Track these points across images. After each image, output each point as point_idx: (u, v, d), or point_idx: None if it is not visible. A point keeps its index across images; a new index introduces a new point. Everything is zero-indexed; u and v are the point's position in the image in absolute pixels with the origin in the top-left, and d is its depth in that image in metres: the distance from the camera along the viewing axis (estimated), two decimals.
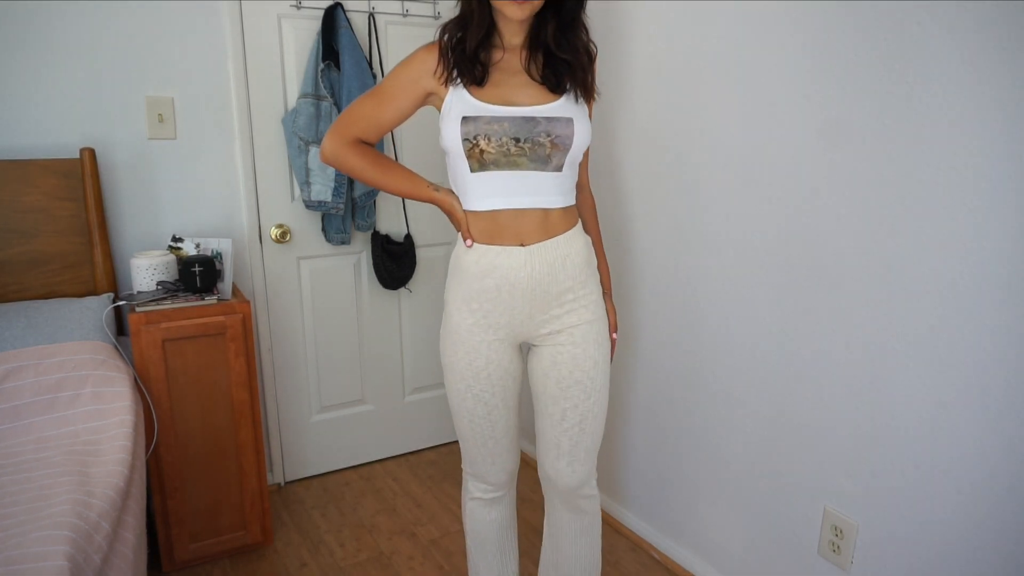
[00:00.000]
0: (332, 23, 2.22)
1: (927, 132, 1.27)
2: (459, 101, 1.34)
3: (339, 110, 2.21)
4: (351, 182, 2.30)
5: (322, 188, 2.24)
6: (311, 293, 2.44)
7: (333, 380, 2.54)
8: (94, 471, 1.42)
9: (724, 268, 1.75)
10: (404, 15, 2.41)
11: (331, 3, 2.23)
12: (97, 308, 1.84)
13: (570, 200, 1.43)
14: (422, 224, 2.58)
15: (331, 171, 2.23)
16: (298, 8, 2.22)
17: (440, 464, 2.68)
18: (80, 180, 1.94)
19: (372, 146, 1.46)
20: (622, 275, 2.09)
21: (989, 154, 1.19)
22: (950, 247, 1.27)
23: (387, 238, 2.49)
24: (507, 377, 1.47)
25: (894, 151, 1.33)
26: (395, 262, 2.47)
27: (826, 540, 1.57)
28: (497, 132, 1.31)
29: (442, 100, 1.38)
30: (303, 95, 2.20)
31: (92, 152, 1.95)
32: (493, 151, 1.32)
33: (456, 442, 2.84)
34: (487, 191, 1.36)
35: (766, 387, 1.68)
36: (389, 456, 2.72)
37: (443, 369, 1.51)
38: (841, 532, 1.53)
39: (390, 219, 2.52)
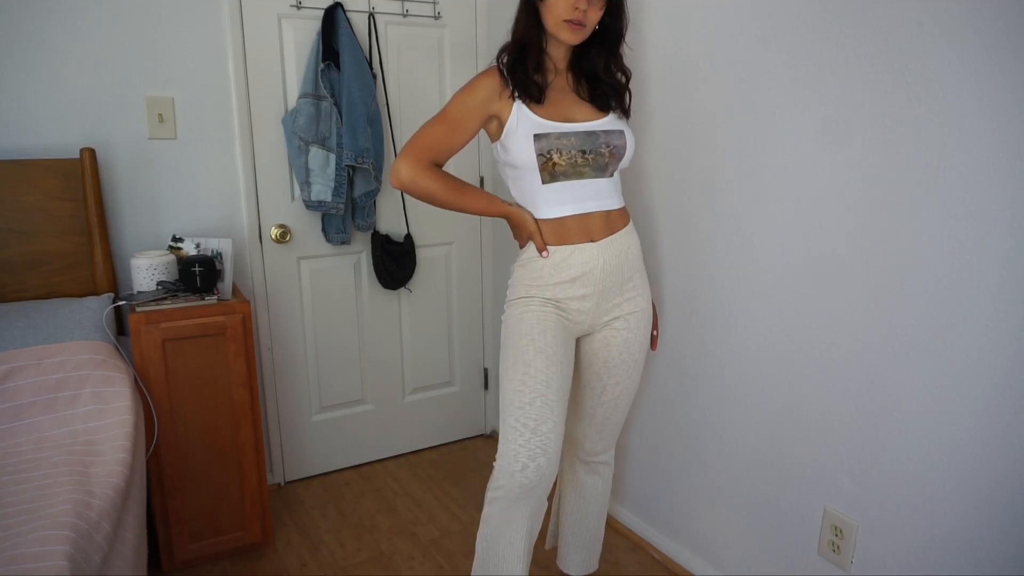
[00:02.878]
0: (332, 23, 2.22)
1: (926, 132, 1.27)
2: (525, 120, 1.47)
3: (339, 110, 2.21)
4: (351, 182, 2.30)
5: (322, 188, 2.24)
6: (311, 293, 2.44)
7: (333, 380, 2.54)
8: (94, 471, 1.42)
9: (724, 268, 1.75)
10: (404, 15, 2.41)
11: (331, 3, 2.23)
12: (97, 308, 1.84)
13: (622, 201, 1.60)
14: (422, 224, 2.58)
15: (331, 171, 2.23)
16: (298, 8, 2.22)
17: (440, 464, 2.68)
18: (80, 180, 1.94)
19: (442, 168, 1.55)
20: None
21: (987, 153, 1.19)
22: (950, 246, 1.27)
23: (387, 238, 2.49)
24: (567, 349, 1.54)
25: (893, 151, 1.33)
26: (395, 262, 2.47)
27: (826, 540, 1.57)
28: (566, 146, 1.47)
29: (503, 121, 1.50)
30: (303, 95, 2.20)
31: (92, 152, 1.95)
32: (564, 163, 1.48)
33: (456, 442, 2.84)
34: (558, 200, 1.51)
35: (766, 387, 1.68)
36: (389, 456, 2.71)
37: (504, 343, 1.54)
38: (841, 532, 1.53)
39: (390, 219, 2.52)
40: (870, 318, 1.42)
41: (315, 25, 2.24)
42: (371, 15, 2.34)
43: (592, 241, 1.52)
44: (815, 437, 1.57)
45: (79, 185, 1.94)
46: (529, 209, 1.54)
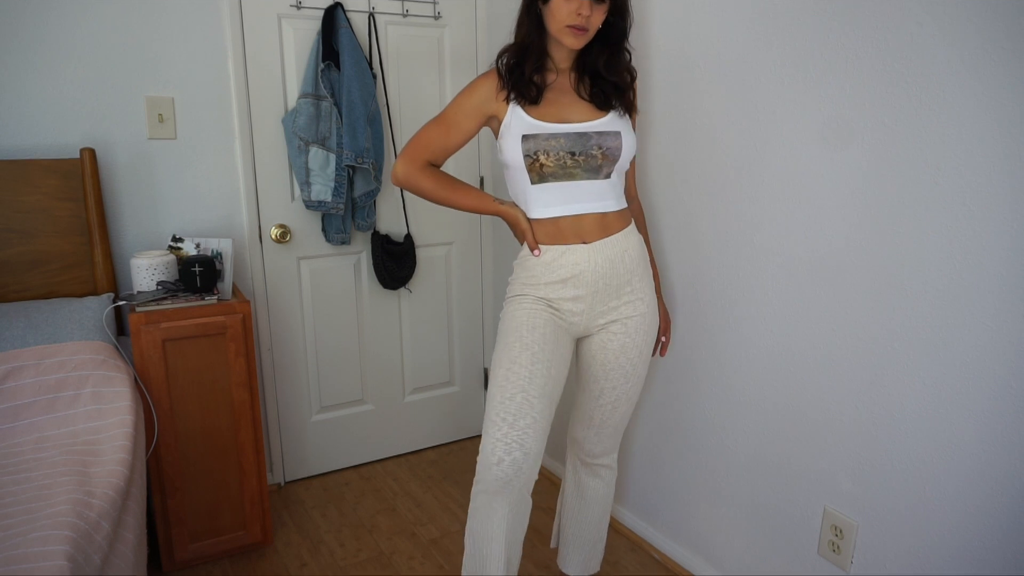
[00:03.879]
0: (332, 23, 2.22)
1: (927, 131, 1.27)
2: (517, 120, 1.48)
3: (339, 110, 2.21)
4: (351, 182, 2.30)
5: (322, 188, 2.24)
6: (311, 293, 2.44)
7: (333, 380, 2.54)
8: (94, 471, 1.42)
9: (724, 267, 1.75)
10: (404, 15, 2.41)
11: (331, 3, 2.23)
12: (97, 308, 1.84)
13: (623, 203, 1.58)
14: (422, 224, 2.58)
15: (331, 171, 2.23)
16: (298, 8, 2.23)
17: (440, 464, 2.68)
18: (80, 180, 1.94)
19: (439, 168, 1.60)
20: None
21: (987, 153, 1.19)
22: (949, 246, 1.27)
23: (387, 238, 2.49)
24: (559, 348, 1.54)
25: (894, 151, 1.33)
26: (395, 262, 2.47)
27: (826, 540, 1.57)
28: (555, 147, 1.47)
29: (500, 121, 1.52)
30: (303, 95, 2.20)
31: (92, 152, 1.95)
32: (552, 164, 1.48)
33: (456, 442, 2.84)
34: (547, 200, 1.51)
35: (766, 387, 1.68)
36: (389, 456, 2.71)
37: (498, 339, 1.55)
38: (841, 532, 1.53)
39: (390, 219, 2.52)
40: (870, 318, 1.42)
41: (315, 25, 2.24)
42: (371, 15, 2.34)
43: (584, 243, 1.52)
44: (815, 437, 1.57)
45: (79, 185, 1.94)
46: (522, 208, 1.55)
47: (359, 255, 2.50)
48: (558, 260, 1.52)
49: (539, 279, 1.54)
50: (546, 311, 1.54)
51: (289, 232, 2.34)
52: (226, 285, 1.98)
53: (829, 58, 1.42)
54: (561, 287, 1.53)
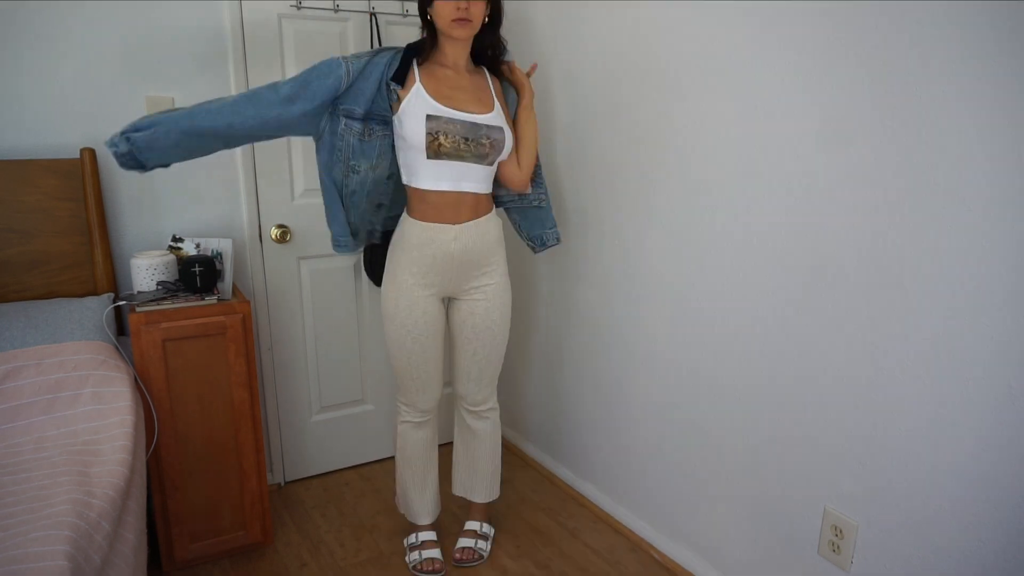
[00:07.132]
0: None
1: (927, 132, 1.27)
2: (421, 101, 1.68)
3: None
4: None
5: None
6: (311, 293, 2.44)
7: (333, 380, 2.54)
8: (94, 471, 1.42)
9: (725, 269, 1.75)
10: (404, 15, 2.41)
11: (331, 3, 2.23)
12: (97, 308, 1.84)
13: (491, 188, 1.84)
14: None
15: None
16: (298, 8, 2.23)
17: (440, 464, 2.67)
18: (80, 180, 1.94)
19: None
20: (620, 276, 2.09)
21: (989, 154, 1.19)
22: (951, 248, 1.27)
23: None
24: (436, 323, 1.87)
25: (893, 151, 1.33)
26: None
27: (826, 540, 1.57)
28: (452, 131, 1.69)
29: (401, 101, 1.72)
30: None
31: (92, 152, 1.95)
32: (448, 145, 1.70)
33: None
34: (440, 175, 1.73)
35: (767, 387, 1.68)
36: (389, 456, 2.71)
37: (384, 320, 1.87)
38: (841, 532, 1.53)
39: None
40: (871, 319, 1.42)
41: (315, 25, 2.23)
42: (372, 15, 2.34)
43: (455, 224, 1.76)
44: (816, 437, 1.57)
45: (79, 185, 1.94)
46: (411, 178, 1.75)
47: (359, 255, 2.50)
48: (432, 237, 1.75)
49: (412, 253, 1.77)
50: (423, 294, 1.81)
51: (289, 232, 2.34)
52: (226, 285, 1.98)
53: (829, 58, 1.42)
54: (432, 262, 1.78)
